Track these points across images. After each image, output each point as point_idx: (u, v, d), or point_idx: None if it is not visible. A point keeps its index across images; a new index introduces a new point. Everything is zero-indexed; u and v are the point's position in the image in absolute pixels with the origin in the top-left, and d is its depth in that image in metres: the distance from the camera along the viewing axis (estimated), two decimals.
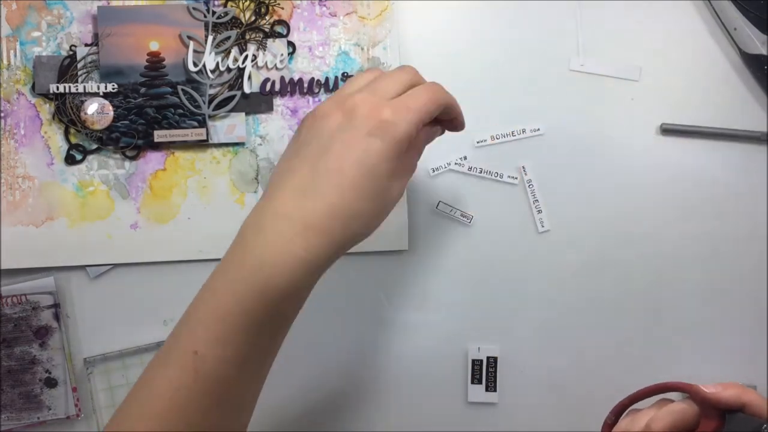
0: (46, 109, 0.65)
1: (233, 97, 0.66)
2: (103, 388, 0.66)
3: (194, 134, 0.65)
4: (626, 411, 0.52)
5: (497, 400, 0.68)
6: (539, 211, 0.68)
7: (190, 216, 0.66)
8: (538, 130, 0.68)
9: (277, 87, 0.66)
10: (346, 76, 0.67)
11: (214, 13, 0.66)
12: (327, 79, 0.67)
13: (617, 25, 0.69)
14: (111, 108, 0.65)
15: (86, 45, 0.65)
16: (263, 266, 0.44)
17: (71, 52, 0.65)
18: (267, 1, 0.66)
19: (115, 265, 0.66)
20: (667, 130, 0.68)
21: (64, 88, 0.65)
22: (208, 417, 0.45)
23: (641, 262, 0.69)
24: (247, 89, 0.66)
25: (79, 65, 0.65)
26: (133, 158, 0.66)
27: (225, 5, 0.66)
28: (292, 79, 0.67)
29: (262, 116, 0.67)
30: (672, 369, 0.69)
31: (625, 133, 0.69)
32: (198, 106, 0.65)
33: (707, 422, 0.46)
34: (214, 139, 0.66)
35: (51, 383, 0.66)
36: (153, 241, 0.66)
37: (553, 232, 0.68)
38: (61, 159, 0.65)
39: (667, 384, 0.49)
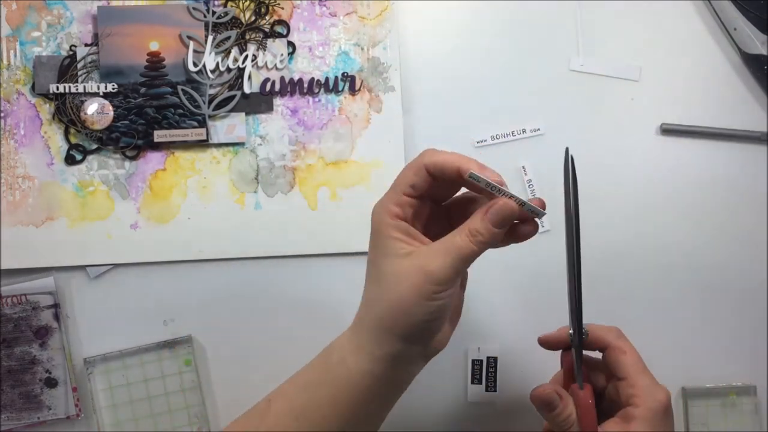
0: (46, 109, 0.65)
1: (233, 97, 0.66)
2: (103, 388, 0.66)
3: (194, 134, 0.65)
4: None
5: (497, 400, 0.68)
6: None
7: (190, 216, 0.66)
8: (538, 130, 0.68)
9: (277, 87, 0.66)
10: (346, 76, 0.67)
11: (214, 13, 0.66)
12: (327, 79, 0.67)
13: (617, 25, 0.69)
14: (111, 108, 0.65)
15: (86, 45, 0.65)
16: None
17: (71, 52, 0.65)
18: (267, 1, 0.66)
19: (115, 265, 0.66)
20: (667, 130, 0.68)
21: (64, 88, 0.65)
22: None
23: (641, 262, 0.69)
24: (247, 89, 0.66)
25: (79, 65, 0.65)
26: (133, 158, 0.66)
27: (225, 5, 0.66)
28: (292, 79, 0.67)
29: (262, 116, 0.67)
30: (671, 368, 0.69)
31: (625, 133, 0.69)
32: (198, 106, 0.65)
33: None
34: (214, 139, 0.66)
35: (51, 383, 0.66)
36: (153, 241, 0.66)
37: (554, 232, 0.68)
38: (61, 159, 0.65)
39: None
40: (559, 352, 0.53)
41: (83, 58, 0.65)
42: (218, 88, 0.66)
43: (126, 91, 0.65)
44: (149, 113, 0.65)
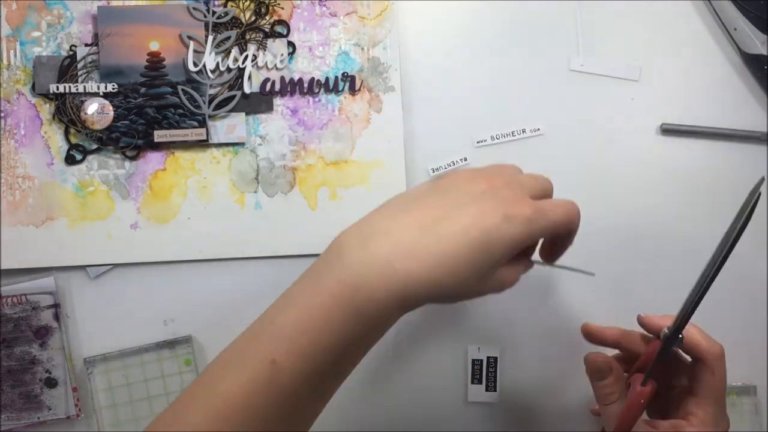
0: (46, 109, 0.65)
1: (233, 97, 0.66)
2: (103, 388, 0.66)
3: (194, 134, 0.65)
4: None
5: (497, 400, 0.68)
6: None
7: (190, 216, 0.66)
8: (538, 130, 0.68)
9: (277, 87, 0.66)
10: (346, 76, 0.67)
11: (214, 13, 0.66)
12: (327, 79, 0.67)
13: (617, 25, 0.69)
14: (111, 108, 0.65)
15: (86, 45, 0.65)
16: (362, 286, 0.42)
17: (71, 52, 0.65)
18: (267, 1, 0.66)
19: (115, 265, 0.66)
20: (667, 130, 0.68)
21: (64, 88, 0.65)
22: (274, 427, 0.43)
23: (641, 262, 0.69)
24: (247, 89, 0.66)
25: (79, 65, 0.65)
26: (133, 158, 0.66)
27: (225, 5, 0.66)
28: (292, 79, 0.67)
29: (262, 116, 0.67)
30: None
31: (625, 133, 0.69)
32: (198, 106, 0.65)
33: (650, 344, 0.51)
34: (214, 139, 0.66)
35: (51, 383, 0.66)
36: (153, 241, 0.66)
37: None
38: (61, 159, 0.65)
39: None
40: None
41: (83, 58, 0.65)
42: (218, 88, 0.66)
43: (126, 91, 0.65)
44: (149, 113, 0.65)
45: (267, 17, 0.66)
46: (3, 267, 0.64)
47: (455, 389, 0.69)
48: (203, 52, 0.65)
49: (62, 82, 0.65)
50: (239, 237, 0.66)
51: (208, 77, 0.65)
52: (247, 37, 0.66)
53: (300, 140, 0.67)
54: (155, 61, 0.65)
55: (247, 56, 0.66)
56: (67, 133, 0.65)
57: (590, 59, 0.69)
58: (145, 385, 0.66)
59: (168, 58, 0.65)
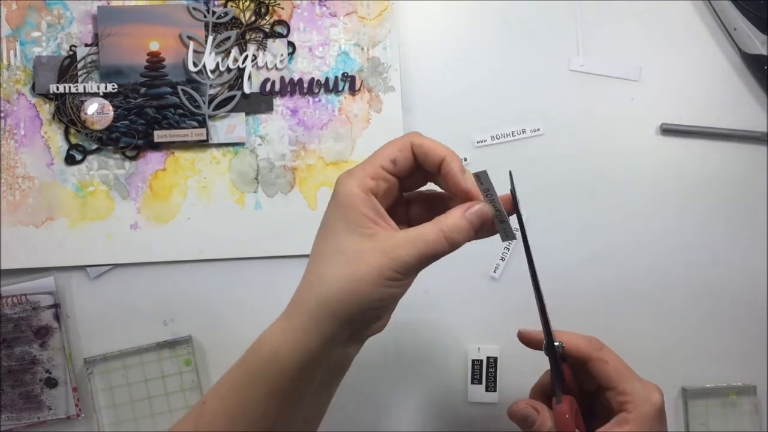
0: (46, 109, 0.65)
1: (233, 97, 0.66)
2: (103, 388, 0.66)
3: (194, 134, 0.65)
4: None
5: (497, 400, 0.68)
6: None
7: (190, 216, 0.66)
8: (538, 130, 0.68)
9: (277, 87, 0.66)
10: (346, 77, 0.67)
11: (214, 13, 0.66)
12: (327, 79, 0.67)
13: (617, 25, 0.69)
14: (111, 108, 0.65)
15: (86, 45, 0.65)
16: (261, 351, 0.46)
17: (71, 52, 0.65)
18: (267, 1, 0.66)
19: (115, 265, 0.66)
20: (667, 130, 0.68)
21: (64, 88, 0.65)
22: None
23: (641, 262, 0.69)
24: (247, 89, 0.66)
25: (79, 65, 0.65)
26: (133, 158, 0.66)
27: (225, 5, 0.66)
28: (292, 79, 0.67)
29: (262, 116, 0.67)
30: (671, 368, 0.69)
31: (625, 133, 0.69)
32: (198, 106, 0.65)
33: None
34: (214, 139, 0.66)
35: (51, 383, 0.66)
36: (153, 241, 0.66)
37: (553, 232, 0.68)
38: (61, 159, 0.65)
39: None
40: None
41: (83, 58, 0.65)
42: (218, 88, 0.66)
43: (126, 91, 0.65)
44: (149, 113, 0.65)
45: (267, 17, 0.66)
46: (3, 267, 0.64)
47: (455, 389, 0.69)
48: (203, 52, 0.65)
49: (62, 82, 0.65)
50: (239, 237, 0.67)
51: (208, 77, 0.66)
52: (247, 37, 0.66)
53: (300, 140, 0.67)
54: (155, 61, 0.65)
55: (247, 56, 0.66)
56: (67, 133, 0.65)
57: (590, 59, 0.69)
58: (145, 385, 0.66)
59: (168, 58, 0.65)
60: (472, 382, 0.68)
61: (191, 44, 0.65)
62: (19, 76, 0.65)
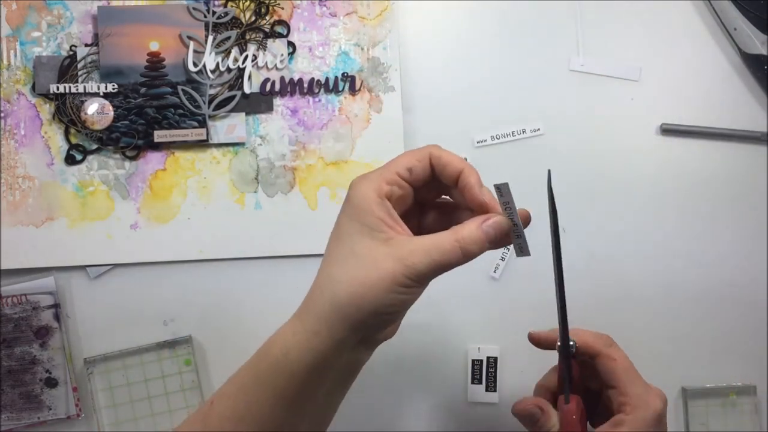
0: (46, 109, 0.65)
1: (233, 97, 0.66)
2: (103, 388, 0.66)
3: (194, 134, 0.65)
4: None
5: (497, 400, 0.68)
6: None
7: (190, 216, 0.66)
8: (538, 130, 0.68)
9: (277, 87, 0.66)
10: (346, 77, 0.67)
11: (214, 13, 0.66)
12: (327, 79, 0.67)
13: (617, 25, 0.69)
14: (111, 108, 0.65)
15: (86, 45, 0.65)
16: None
17: (71, 52, 0.65)
18: (267, 1, 0.66)
19: (115, 265, 0.66)
20: (667, 130, 0.68)
21: (64, 88, 0.65)
22: None
23: (641, 261, 0.69)
24: (247, 89, 0.66)
25: (79, 65, 0.65)
26: (133, 158, 0.66)
27: (225, 5, 0.66)
28: (292, 79, 0.67)
29: (262, 116, 0.67)
30: (671, 368, 0.69)
31: (625, 133, 0.69)
32: (198, 106, 0.65)
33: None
34: (214, 139, 0.66)
35: (51, 383, 0.66)
36: (153, 241, 0.66)
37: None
38: (61, 159, 0.65)
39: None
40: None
41: (83, 58, 0.65)
42: (218, 88, 0.66)
43: (126, 91, 0.65)
44: (149, 113, 0.65)
45: (267, 17, 0.66)
46: (3, 267, 0.64)
47: (455, 389, 0.69)
48: (203, 52, 0.65)
49: (62, 82, 0.65)
50: (239, 237, 0.67)
51: (208, 77, 0.66)
52: (247, 37, 0.66)
53: (300, 140, 0.67)
54: (155, 61, 0.65)
55: (247, 56, 0.66)
56: (67, 133, 0.65)
57: (590, 59, 0.69)
58: (145, 385, 0.66)
59: (168, 58, 0.65)
60: (472, 382, 0.68)
61: (191, 44, 0.65)
62: (19, 76, 0.65)
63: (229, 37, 0.66)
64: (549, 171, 0.47)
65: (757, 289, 0.69)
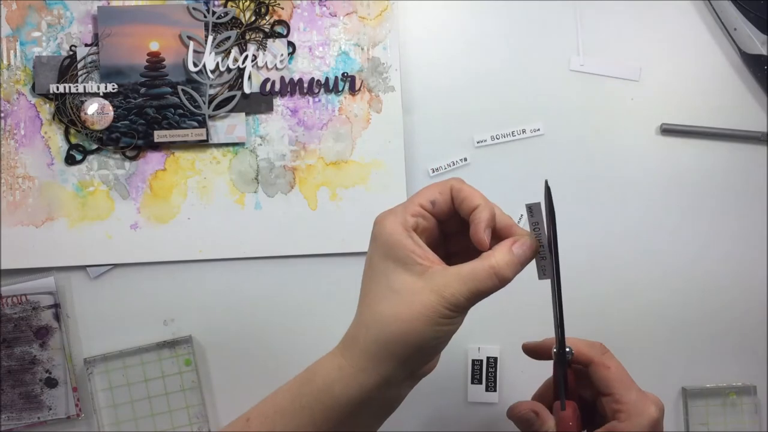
0: (46, 109, 0.65)
1: (233, 97, 0.66)
2: (103, 388, 0.66)
3: (194, 134, 0.65)
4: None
5: (497, 400, 0.68)
6: None
7: (190, 216, 0.66)
8: (538, 130, 0.68)
9: (277, 87, 0.66)
10: (346, 77, 0.67)
11: (214, 13, 0.66)
12: (327, 79, 0.67)
13: (617, 25, 0.69)
14: (111, 108, 0.65)
15: (86, 45, 0.65)
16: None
17: (71, 52, 0.65)
18: (267, 1, 0.66)
19: (115, 265, 0.66)
20: (667, 130, 0.68)
21: (64, 88, 0.65)
22: None
23: (641, 262, 0.69)
24: (247, 89, 0.66)
25: (79, 65, 0.65)
26: (133, 158, 0.66)
27: (225, 5, 0.66)
28: (292, 79, 0.67)
29: (262, 116, 0.67)
30: (671, 368, 0.69)
31: (625, 133, 0.69)
32: (198, 106, 0.65)
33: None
34: (214, 139, 0.66)
35: (51, 383, 0.66)
36: (153, 241, 0.66)
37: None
38: (61, 159, 0.65)
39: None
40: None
41: (83, 58, 0.65)
42: (218, 88, 0.66)
43: (126, 91, 0.65)
44: (149, 113, 0.65)
45: (267, 17, 0.66)
46: (3, 267, 0.64)
47: (455, 389, 0.69)
48: (203, 52, 0.65)
49: (62, 82, 0.65)
50: (239, 237, 0.67)
51: (208, 77, 0.66)
52: (247, 37, 0.66)
53: (300, 140, 0.67)
54: (155, 61, 0.65)
55: (247, 56, 0.66)
56: (67, 133, 0.65)
57: (590, 59, 0.69)
58: (145, 385, 0.66)
59: (168, 58, 0.65)
60: (472, 382, 0.68)
61: (191, 44, 0.65)
62: (19, 76, 0.65)
63: (229, 37, 0.66)
64: (546, 182, 0.47)
65: (757, 289, 0.69)
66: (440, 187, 0.46)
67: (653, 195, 0.69)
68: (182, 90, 0.65)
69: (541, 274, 0.47)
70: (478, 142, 0.68)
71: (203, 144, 0.66)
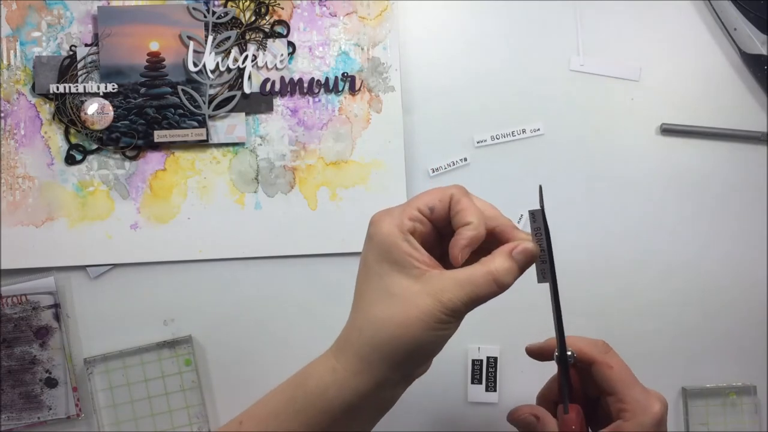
0: (46, 109, 0.65)
1: (233, 97, 0.66)
2: (103, 388, 0.66)
3: (194, 134, 0.65)
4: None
5: (497, 400, 0.68)
6: None
7: (190, 216, 0.66)
8: (538, 130, 0.68)
9: (277, 87, 0.66)
10: (346, 77, 0.67)
11: (214, 13, 0.66)
12: (327, 79, 0.67)
13: (617, 25, 0.69)
14: (111, 108, 0.65)
15: (86, 45, 0.65)
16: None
17: (71, 52, 0.65)
18: (267, 1, 0.66)
19: (115, 265, 0.66)
20: (667, 130, 0.68)
21: (64, 88, 0.65)
22: None
23: (641, 262, 0.69)
24: (247, 89, 0.66)
25: (79, 65, 0.65)
26: (133, 158, 0.66)
27: (225, 5, 0.66)
28: (292, 79, 0.67)
29: (262, 116, 0.67)
30: (671, 368, 0.69)
31: (625, 133, 0.69)
32: (198, 106, 0.65)
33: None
34: (214, 139, 0.66)
35: (51, 383, 0.66)
36: (153, 241, 0.66)
37: (553, 232, 0.68)
38: (61, 159, 0.65)
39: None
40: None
41: (83, 58, 0.65)
42: (218, 88, 0.66)
43: (126, 91, 0.65)
44: (149, 113, 0.65)
45: (267, 17, 0.66)
46: (3, 267, 0.64)
47: (455, 389, 0.69)
48: (203, 52, 0.65)
49: (62, 82, 0.65)
50: (239, 237, 0.67)
51: (208, 77, 0.66)
52: (247, 37, 0.66)
53: (300, 140, 0.67)
54: (155, 61, 0.65)
55: (247, 56, 0.66)
56: (67, 133, 0.65)
57: (590, 59, 0.69)
58: (145, 385, 0.66)
59: (168, 58, 0.65)
60: (472, 382, 0.68)
61: (191, 44, 0.65)
62: (19, 76, 0.65)
63: (229, 37, 0.66)
64: (540, 186, 0.47)
65: (757, 289, 0.69)
66: (441, 195, 0.45)
67: (653, 195, 0.69)
68: (182, 90, 0.65)
69: (541, 278, 0.47)
70: (478, 142, 0.68)
71: (203, 144, 0.66)
